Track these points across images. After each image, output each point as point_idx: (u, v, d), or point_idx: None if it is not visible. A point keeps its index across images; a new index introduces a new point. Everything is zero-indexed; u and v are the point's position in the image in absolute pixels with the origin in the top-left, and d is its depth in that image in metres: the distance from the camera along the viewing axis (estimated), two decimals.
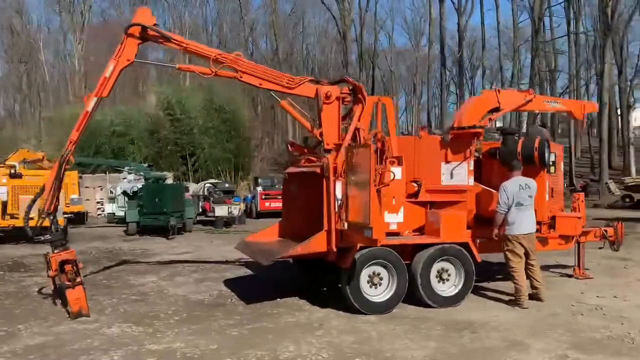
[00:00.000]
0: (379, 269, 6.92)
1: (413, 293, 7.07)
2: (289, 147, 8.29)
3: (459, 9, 48.67)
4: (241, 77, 7.40)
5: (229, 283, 8.86)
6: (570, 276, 9.04)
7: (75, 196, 20.73)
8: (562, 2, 40.40)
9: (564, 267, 9.68)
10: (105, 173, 26.54)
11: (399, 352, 5.44)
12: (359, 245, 6.61)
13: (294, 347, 5.59)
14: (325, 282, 8.32)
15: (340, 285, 6.91)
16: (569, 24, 40.71)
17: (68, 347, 5.69)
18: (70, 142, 7.20)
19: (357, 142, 7.11)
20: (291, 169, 8.17)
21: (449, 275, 7.23)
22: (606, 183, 30.40)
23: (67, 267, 6.78)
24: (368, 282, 6.87)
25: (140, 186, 19.09)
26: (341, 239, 6.68)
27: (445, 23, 47.75)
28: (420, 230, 7.59)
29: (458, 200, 7.61)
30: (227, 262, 11.07)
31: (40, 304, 7.73)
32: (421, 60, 69.94)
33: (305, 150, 8.14)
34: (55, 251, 7.06)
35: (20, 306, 7.61)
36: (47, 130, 38.02)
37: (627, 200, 26.07)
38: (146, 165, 22.68)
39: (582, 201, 8.85)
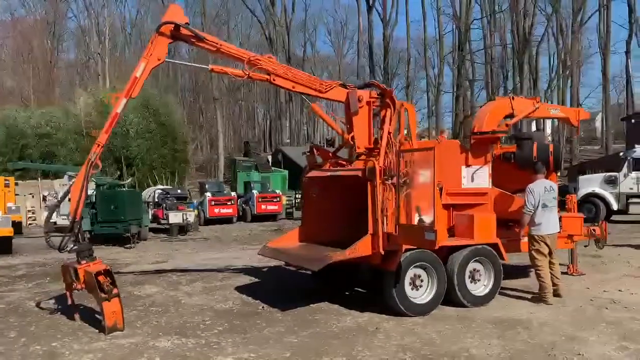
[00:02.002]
0: (419, 271, 7.04)
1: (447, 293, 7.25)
2: (314, 151, 8.22)
3: (384, 19, 50.19)
4: (274, 80, 7.29)
5: (242, 291, 8.63)
6: (564, 273, 9.56)
7: (11, 204, 19.26)
8: (484, 17, 42.64)
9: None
10: (37, 179, 24.87)
11: (473, 350, 5.59)
12: (404, 248, 6.70)
13: (369, 352, 5.59)
14: (341, 286, 8.36)
15: (382, 288, 6.96)
16: (490, 37, 43.17)
17: None
18: (98, 145, 6.79)
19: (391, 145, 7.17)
20: (314, 173, 8.11)
21: (480, 275, 7.48)
22: None
23: (101, 279, 6.35)
24: (410, 285, 6.97)
25: (92, 192, 18.08)
26: (388, 242, 6.72)
27: (372, 32, 48.95)
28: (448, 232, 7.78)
29: (479, 202, 7.91)
30: (220, 269, 10.79)
31: (52, 320, 7.16)
32: (345, 67, 71.54)
33: (330, 154, 8.12)
34: (83, 262, 6.62)
35: (31, 323, 7.01)
36: None
37: None
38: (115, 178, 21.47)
39: (575, 202, 9.44)
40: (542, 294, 7.50)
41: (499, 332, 6.19)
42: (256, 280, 9.61)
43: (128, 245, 15.86)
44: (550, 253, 7.63)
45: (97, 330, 6.53)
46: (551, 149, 7.97)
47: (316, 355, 5.50)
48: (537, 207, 7.47)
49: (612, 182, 20.24)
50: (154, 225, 20.22)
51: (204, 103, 54.73)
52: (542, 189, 7.53)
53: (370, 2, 47.63)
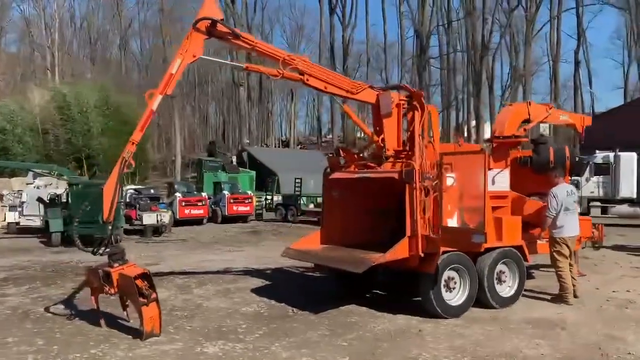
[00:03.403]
0: (452, 274, 7.11)
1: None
2: (340, 153, 8.15)
3: (344, 22, 50.56)
4: (307, 80, 7.20)
5: (260, 294, 8.47)
6: None
7: None
8: (443, 24, 43.60)
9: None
10: None
11: (526, 351, 5.70)
12: (441, 250, 6.76)
13: (427, 354, 5.60)
14: (360, 288, 8.36)
15: (420, 290, 7.00)
16: (447, 45, 44.20)
17: None
18: (133, 143, 6.55)
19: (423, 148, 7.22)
20: (338, 175, 8.05)
21: (505, 277, 7.63)
22: None
23: (139, 282, 6.09)
24: (444, 287, 7.03)
25: (62, 192, 17.35)
26: (426, 245, 6.75)
27: (334, 34, 49.16)
28: None
29: (500, 205, 8.05)
30: (222, 272, 10.58)
31: (75, 325, 6.80)
32: None
33: (356, 156, 8.09)
34: (115, 265, 6.34)
35: (53, 329, 6.63)
36: None
37: None
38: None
39: None
40: (564, 294, 7.72)
41: (540, 333, 6.33)
42: (267, 282, 9.46)
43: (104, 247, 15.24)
44: (570, 255, 7.86)
45: (130, 336, 6.26)
46: (567, 153, 8.22)
47: (374, 359, 5.46)
48: (560, 210, 7.69)
49: (574, 186, 21.08)
50: (126, 226, 19.57)
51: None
52: (565, 192, 7.76)
53: (333, 4, 47.82)
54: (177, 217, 22.66)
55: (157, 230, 18.96)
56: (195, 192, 24.38)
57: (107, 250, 6.41)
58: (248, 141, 49.09)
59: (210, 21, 6.66)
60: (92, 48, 61.94)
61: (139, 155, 30.09)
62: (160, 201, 20.51)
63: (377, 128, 7.68)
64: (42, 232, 17.37)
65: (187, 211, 22.72)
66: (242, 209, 23.94)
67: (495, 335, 6.25)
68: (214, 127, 79.48)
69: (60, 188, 18.96)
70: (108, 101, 29.49)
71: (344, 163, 8.12)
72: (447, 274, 7.04)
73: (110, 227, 6.48)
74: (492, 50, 43.82)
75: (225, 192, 24.09)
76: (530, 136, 9.67)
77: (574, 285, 7.97)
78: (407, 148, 7.66)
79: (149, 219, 18.72)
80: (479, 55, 43.16)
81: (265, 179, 29.60)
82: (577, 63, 49.53)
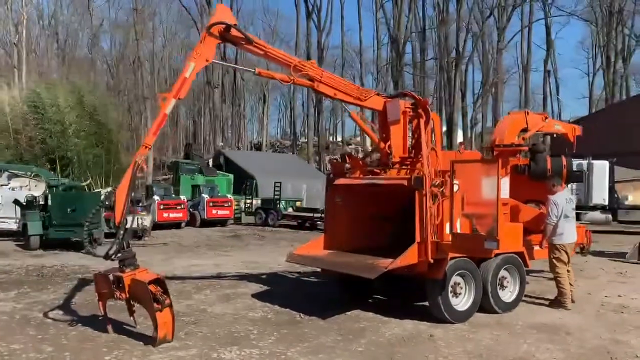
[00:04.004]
0: (459, 279, 7.23)
1: None
2: (347, 159, 8.20)
3: (319, 26, 50.75)
4: (317, 86, 7.24)
5: (263, 299, 8.43)
6: (550, 279, 10.10)
7: None
8: (419, 31, 44.18)
9: (541, 271, 10.82)
10: None
11: (538, 355, 5.85)
12: (450, 256, 6.87)
13: (443, 359, 5.68)
14: (360, 293, 8.44)
15: (428, 296, 7.10)
16: (421, 53, 44.81)
17: None
18: (146, 146, 6.46)
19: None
20: (344, 181, 8.10)
21: (507, 282, 7.79)
22: None
23: (153, 288, 6.01)
24: (451, 292, 7.14)
25: (39, 194, 16.92)
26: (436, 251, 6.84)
27: (311, 38, 49.26)
28: None
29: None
30: (216, 277, 10.52)
31: (80, 332, 6.65)
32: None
33: (361, 162, 8.15)
34: (127, 270, 6.24)
35: (58, 336, 6.47)
36: None
37: None
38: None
39: None
40: (562, 299, 7.93)
41: (547, 337, 6.49)
42: (266, 287, 9.42)
43: (85, 251, 14.99)
44: (568, 261, 8.07)
45: (140, 342, 6.17)
46: (564, 162, 8.45)
47: None
48: (560, 217, 7.89)
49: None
50: (105, 229, 19.20)
51: (134, 102, 52.56)
52: (564, 200, 7.97)
53: (310, 8, 47.98)
54: (156, 220, 22.35)
55: (136, 233, 18.65)
56: (173, 195, 24.08)
57: (119, 255, 6.28)
58: (222, 144, 48.76)
59: (224, 26, 6.64)
60: (61, 47, 60.63)
61: (113, 157, 29.35)
62: (140, 204, 20.18)
63: (384, 135, 7.77)
64: (19, 235, 16.91)
65: (165, 214, 22.43)
66: (222, 212, 23.77)
67: (505, 339, 6.39)
68: (184, 129, 78.69)
69: (36, 190, 18.49)
70: (83, 102, 28.90)
71: (349, 169, 8.18)
72: (454, 279, 7.16)
73: (122, 231, 6.34)
74: (465, 58, 44.61)
75: (205, 195, 23.88)
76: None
77: (571, 291, 8.20)
78: (412, 155, 7.78)
79: (129, 222, 18.35)
80: (452, 63, 43.94)
81: (242, 183, 29.43)
82: (546, 72, 50.78)
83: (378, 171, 7.81)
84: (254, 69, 7.41)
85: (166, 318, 6.07)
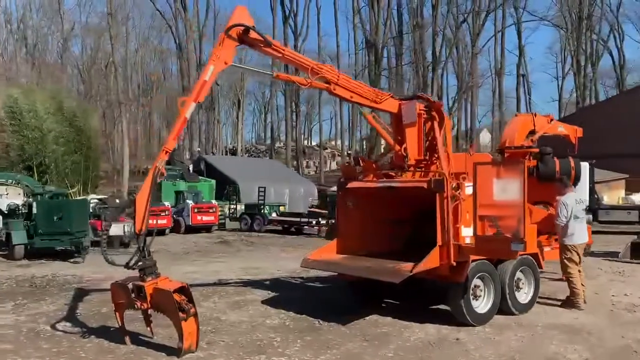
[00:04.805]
0: (478, 282, 7.22)
1: None
2: (360, 162, 8.13)
3: (295, 31, 50.79)
4: (334, 89, 7.16)
5: (275, 305, 8.26)
6: (560, 280, 10.20)
7: None
8: (395, 36, 44.53)
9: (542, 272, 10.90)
10: None
11: (569, 355, 5.87)
12: (471, 259, 6.86)
13: None
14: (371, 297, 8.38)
15: (449, 299, 7.08)
16: (398, 57, 45.12)
17: None
18: (166, 151, 6.27)
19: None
20: (357, 184, 8.02)
21: (522, 284, 7.82)
22: None
23: (178, 297, 5.83)
24: (471, 295, 7.12)
25: (21, 203, 16.43)
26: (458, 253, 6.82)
27: (288, 43, 49.11)
28: None
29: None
30: (219, 284, 10.33)
31: (95, 344, 6.40)
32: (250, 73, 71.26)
33: (373, 165, 8.10)
34: (148, 279, 6.05)
35: (74, 348, 6.22)
36: None
37: None
38: None
39: None
40: (575, 300, 8.00)
41: (571, 338, 6.52)
42: (275, 293, 9.25)
43: (74, 260, 14.64)
44: (579, 261, 8.14)
45: (162, 353, 5.99)
46: (572, 163, 8.54)
47: None
48: (570, 218, 7.96)
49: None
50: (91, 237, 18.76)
51: (107, 108, 51.63)
52: (574, 201, 8.05)
53: (286, 12, 47.91)
54: None
55: (123, 241, 18.26)
56: (157, 202, 23.65)
57: (140, 264, 6.08)
58: (199, 149, 48.24)
59: (243, 28, 6.51)
60: (30, 51, 59.24)
61: (91, 164, 28.77)
62: (128, 212, 19.78)
63: (399, 137, 7.74)
64: (1, 245, 16.37)
65: (150, 221, 21.90)
66: (207, 218, 23.44)
67: (531, 341, 6.40)
68: (157, 135, 77.77)
69: (18, 198, 17.97)
70: (63, 107, 28.22)
71: (361, 172, 8.10)
72: (474, 282, 7.14)
73: (143, 239, 6.14)
74: (441, 62, 45.09)
75: (189, 201, 23.54)
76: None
77: (583, 291, 8.27)
78: (427, 157, 7.77)
79: (116, 229, 17.97)
80: (427, 67, 44.35)
81: (224, 188, 29.13)
82: (519, 76, 51.74)
83: (393, 174, 7.75)
84: (272, 73, 7.30)
85: (191, 328, 5.90)
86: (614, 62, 57.00)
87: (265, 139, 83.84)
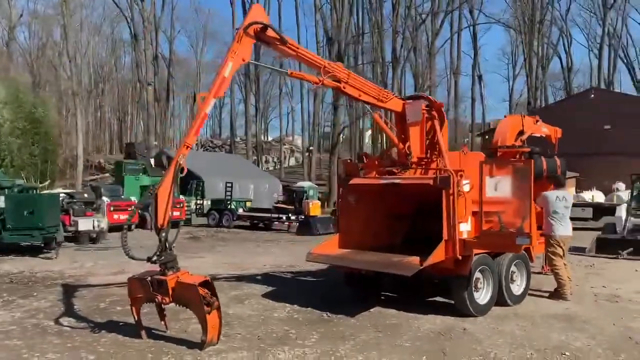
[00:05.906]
0: (478, 275, 7.56)
1: None
2: (364, 159, 8.33)
3: None
4: (344, 87, 7.34)
5: (276, 299, 8.38)
6: (539, 273, 10.71)
7: None
8: (355, 35, 44.96)
9: None
10: None
11: (576, 343, 6.23)
12: (474, 253, 7.20)
13: (495, 349, 5.96)
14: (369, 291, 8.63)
15: (453, 292, 7.39)
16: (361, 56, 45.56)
17: None
18: (187, 146, 6.30)
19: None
20: (360, 180, 8.22)
21: (515, 276, 8.23)
22: None
23: (202, 291, 5.89)
24: (473, 287, 7.46)
25: None
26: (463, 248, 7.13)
27: None
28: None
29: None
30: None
31: (110, 339, 6.36)
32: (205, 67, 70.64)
33: (376, 162, 8.32)
34: (169, 273, 6.09)
35: (90, 343, 6.17)
36: None
37: None
38: None
39: None
40: (562, 291, 8.47)
41: (569, 326, 6.94)
42: (272, 287, 9.34)
43: (44, 256, 14.28)
44: (564, 254, 8.62)
45: (184, 347, 6.04)
46: (559, 163, 9.01)
47: (451, 357, 5.73)
48: (551, 213, 8.43)
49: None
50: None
51: (59, 100, 49.95)
52: (554, 197, 8.52)
53: (246, 7, 47.53)
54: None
55: (91, 236, 17.87)
56: (122, 197, 23.19)
57: (162, 258, 6.10)
58: (156, 143, 47.37)
59: (261, 26, 6.60)
60: None
61: (49, 157, 27.92)
62: (95, 206, 19.37)
63: (402, 136, 7.98)
64: None
65: (115, 216, 21.53)
66: (175, 214, 23.10)
67: (534, 330, 6.76)
68: (109, 127, 75.99)
69: None
70: (20, 98, 27.15)
71: (363, 169, 8.32)
72: (475, 275, 7.48)
73: (165, 234, 6.16)
74: (401, 63, 45.83)
75: None
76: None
77: (568, 283, 8.76)
78: (428, 155, 8.05)
79: (84, 224, 17.58)
80: (387, 66, 45.07)
81: (187, 183, 28.77)
82: (474, 77, 53.17)
83: (396, 171, 8.00)
84: (287, 71, 7.41)
85: (214, 321, 5.96)
86: (562, 65, 59.56)
87: (220, 133, 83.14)
